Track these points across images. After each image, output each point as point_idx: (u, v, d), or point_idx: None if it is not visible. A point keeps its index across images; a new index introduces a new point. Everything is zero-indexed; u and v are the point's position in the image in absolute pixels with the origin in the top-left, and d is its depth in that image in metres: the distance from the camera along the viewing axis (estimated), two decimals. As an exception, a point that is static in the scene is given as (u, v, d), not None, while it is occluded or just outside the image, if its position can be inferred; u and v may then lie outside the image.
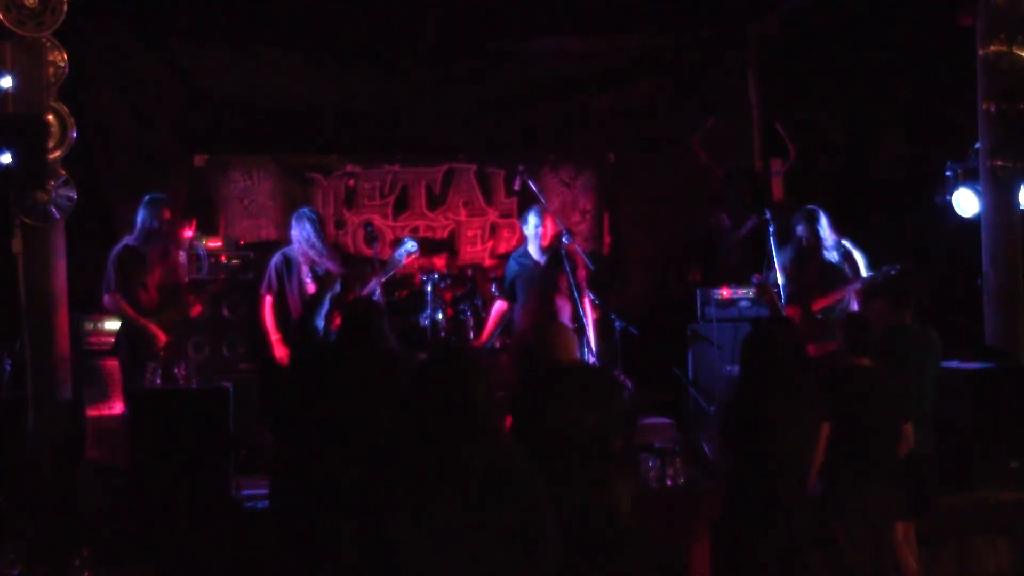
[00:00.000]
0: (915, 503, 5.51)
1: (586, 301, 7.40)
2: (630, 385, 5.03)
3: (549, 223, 7.43)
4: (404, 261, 7.42)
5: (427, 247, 8.89)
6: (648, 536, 4.75)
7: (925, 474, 5.65)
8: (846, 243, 7.35)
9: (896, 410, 5.20)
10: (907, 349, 5.83)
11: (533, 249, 7.44)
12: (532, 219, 7.41)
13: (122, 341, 6.77)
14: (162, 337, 6.68)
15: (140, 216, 6.79)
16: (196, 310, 7.07)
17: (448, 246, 9.15)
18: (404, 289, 8.47)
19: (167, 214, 6.84)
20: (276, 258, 7.33)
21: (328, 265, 7.16)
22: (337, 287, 7.06)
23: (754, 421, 4.79)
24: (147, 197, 6.88)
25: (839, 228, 7.31)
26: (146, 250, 6.75)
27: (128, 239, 6.77)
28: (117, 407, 6.97)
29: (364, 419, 4.84)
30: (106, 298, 6.70)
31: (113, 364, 7.15)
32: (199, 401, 6.18)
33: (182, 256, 7.20)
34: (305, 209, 7.44)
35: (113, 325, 7.12)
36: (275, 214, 8.89)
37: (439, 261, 8.92)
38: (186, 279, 7.18)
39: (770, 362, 4.85)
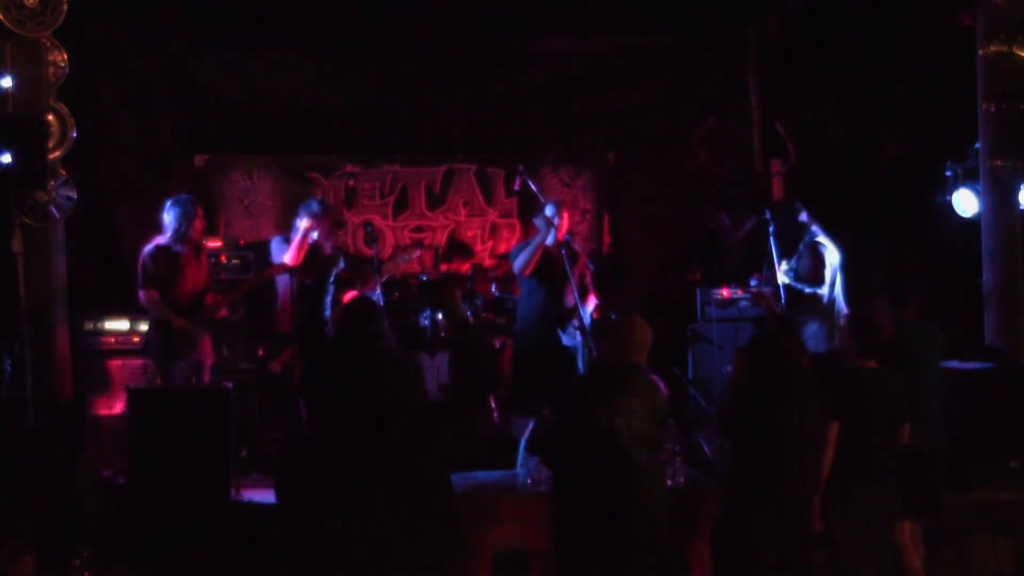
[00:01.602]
0: (924, 502, 5.51)
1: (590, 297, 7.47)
2: (664, 387, 5.08)
3: (567, 216, 7.46)
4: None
5: (453, 250, 8.90)
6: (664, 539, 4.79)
7: (935, 472, 5.65)
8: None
9: (898, 411, 5.20)
10: (915, 346, 5.83)
11: (549, 241, 7.43)
12: (549, 210, 7.41)
13: (153, 340, 6.76)
14: (193, 328, 6.70)
15: (172, 216, 6.74)
16: (222, 312, 7.06)
17: (466, 248, 9.13)
18: (404, 289, 8.47)
19: (200, 212, 6.85)
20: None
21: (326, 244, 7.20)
22: (341, 263, 7.05)
23: (757, 421, 4.80)
24: (177, 197, 6.85)
25: (838, 227, 7.33)
26: (178, 250, 6.75)
27: (159, 239, 6.75)
28: (118, 407, 6.97)
29: (365, 419, 4.83)
30: (141, 294, 6.67)
31: (116, 364, 7.14)
32: (199, 401, 6.18)
33: None
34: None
35: (115, 325, 7.12)
36: (275, 214, 8.89)
37: (464, 264, 8.86)
38: (212, 281, 7.15)
39: (774, 362, 4.86)
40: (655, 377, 4.88)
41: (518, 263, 7.46)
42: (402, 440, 4.66)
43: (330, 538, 4.62)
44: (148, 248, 6.73)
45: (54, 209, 6.24)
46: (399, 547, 4.56)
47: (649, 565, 4.70)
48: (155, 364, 6.68)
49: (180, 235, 6.73)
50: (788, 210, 7.49)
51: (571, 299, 7.37)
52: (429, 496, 4.67)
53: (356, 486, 4.61)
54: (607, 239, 9.41)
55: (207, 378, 6.66)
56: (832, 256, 7.35)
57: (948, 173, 7.41)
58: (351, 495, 4.61)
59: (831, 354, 6.97)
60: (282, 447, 6.70)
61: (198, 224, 6.82)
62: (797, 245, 7.48)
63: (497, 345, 8.11)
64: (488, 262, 9.18)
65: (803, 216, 7.35)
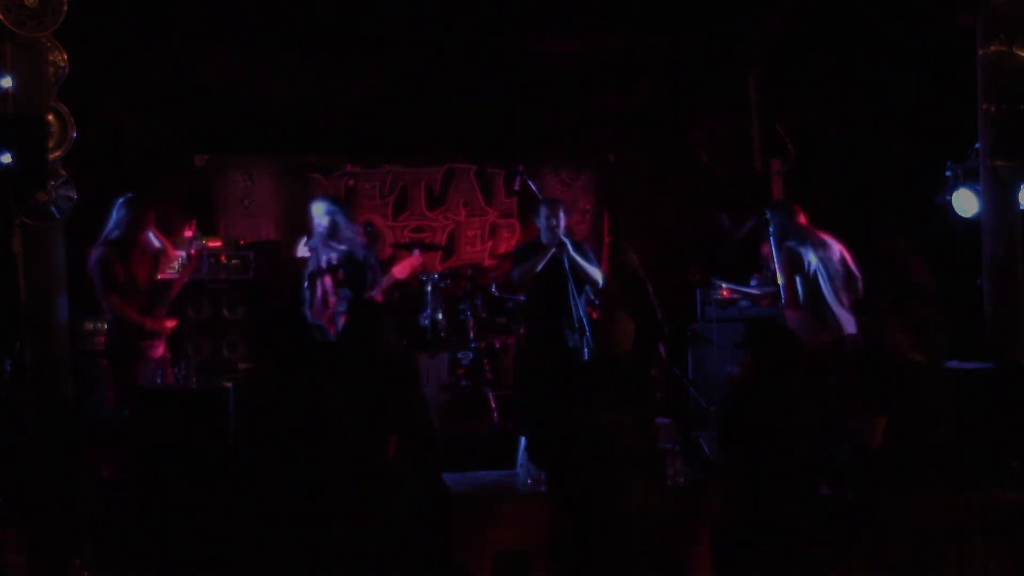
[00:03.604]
0: None
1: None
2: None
3: (562, 216, 7.36)
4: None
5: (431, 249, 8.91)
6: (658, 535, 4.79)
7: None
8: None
9: (945, 409, 5.17)
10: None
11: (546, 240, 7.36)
12: (543, 211, 7.34)
13: (115, 341, 6.72)
14: (166, 327, 6.66)
15: (122, 216, 6.66)
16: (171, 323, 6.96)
17: (451, 247, 9.13)
18: (405, 289, 8.47)
19: (148, 213, 6.77)
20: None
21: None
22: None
23: (758, 419, 4.80)
24: (126, 197, 6.75)
25: (838, 228, 7.32)
26: (128, 250, 6.69)
27: (109, 240, 6.65)
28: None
29: (360, 419, 4.84)
30: (106, 303, 6.60)
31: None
32: (199, 401, 6.18)
33: (181, 255, 7.17)
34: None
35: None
36: (275, 214, 8.89)
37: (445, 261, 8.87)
38: (156, 278, 7.05)
39: (775, 362, 4.87)
40: (638, 370, 4.92)
41: (516, 275, 7.36)
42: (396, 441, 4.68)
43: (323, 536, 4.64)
44: (99, 253, 6.59)
45: (54, 209, 6.22)
46: (389, 547, 4.58)
47: (642, 561, 4.70)
48: (115, 366, 6.62)
49: (126, 235, 6.64)
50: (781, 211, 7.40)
51: (572, 299, 7.33)
52: (419, 498, 4.70)
53: (349, 487, 4.64)
54: (607, 239, 9.41)
55: (170, 376, 6.59)
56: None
57: (948, 173, 7.41)
58: (344, 496, 4.63)
59: (874, 348, 6.90)
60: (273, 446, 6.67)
61: (143, 224, 6.70)
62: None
63: (497, 345, 8.11)
64: (488, 262, 9.19)
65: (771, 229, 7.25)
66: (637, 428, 4.70)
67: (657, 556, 4.81)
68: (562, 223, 7.23)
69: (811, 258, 6.95)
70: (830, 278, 6.94)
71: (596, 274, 7.24)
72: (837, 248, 7.05)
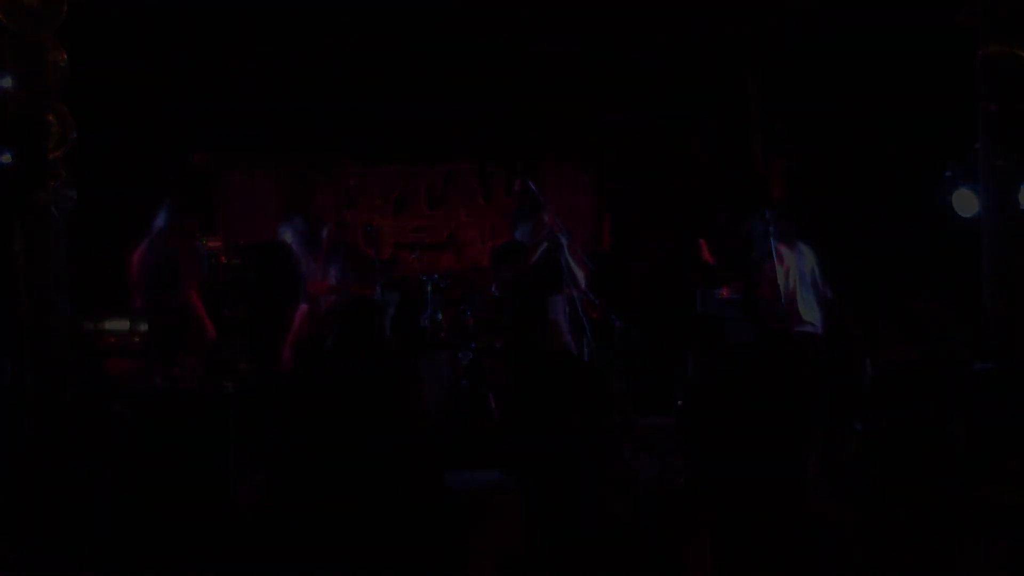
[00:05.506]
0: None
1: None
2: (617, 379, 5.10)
3: (548, 219, 7.39)
4: None
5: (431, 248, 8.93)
6: (644, 535, 4.78)
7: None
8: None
9: (943, 407, 5.20)
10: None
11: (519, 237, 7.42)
12: (542, 213, 7.38)
13: (158, 339, 6.76)
14: (211, 331, 6.71)
15: (166, 218, 6.80)
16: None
17: (451, 247, 9.15)
18: (405, 289, 8.48)
19: (188, 214, 6.87)
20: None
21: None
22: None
23: (760, 422, 4.81)
24: (175, 201, 6.94)
25: (837, 227, 7.38)
26: (175, 251, 6.77)
27: (160, 239, 6.78)
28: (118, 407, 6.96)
29: (364, 419, 4.84)
30: (183, 293, 6.74)
31: (116, 364, 7.12)
32: (199, 401, 6.18)
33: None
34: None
35: (114, 326, 7.11)
36: (275, 214, 8.89)
37: (445, 261, 8.89)
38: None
39: (782, 370, 4.89)
40: (591, 366, 4.93)
41: (509, 275, 7.33)
42: (395, 443, 4.67)
43: (323, 537, 4.64)
44: (170, 247, 6.76)
45: (54, 209, 6.23)
46: (389, 547, 4.58)
47: (641, 561, 4.70)
48: (156, 364, 6.67)
49: (178, 236, 6.74)
50: (786, 212, 7.54)
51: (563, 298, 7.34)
52: (421, 496, 4.69)
53: (348, 489, 4.63)
54: (607, 239, 9.41)
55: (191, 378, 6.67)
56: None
57: (948, 173, 7.41)
58: (343, 498, 4.63)
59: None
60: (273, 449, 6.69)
61: (191, 228, 6.87)
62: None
63: (497, 345, 8.12)
64: (488, 262, 9.18)
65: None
66: (587, 426, 4.68)
67: (656, 556, 4.81)
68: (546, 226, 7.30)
69: (793, 257, 7.32)
70: (802, 277, 7.31)
71: (581, 276, 7.29)
72: (810, 259, 7.44)
